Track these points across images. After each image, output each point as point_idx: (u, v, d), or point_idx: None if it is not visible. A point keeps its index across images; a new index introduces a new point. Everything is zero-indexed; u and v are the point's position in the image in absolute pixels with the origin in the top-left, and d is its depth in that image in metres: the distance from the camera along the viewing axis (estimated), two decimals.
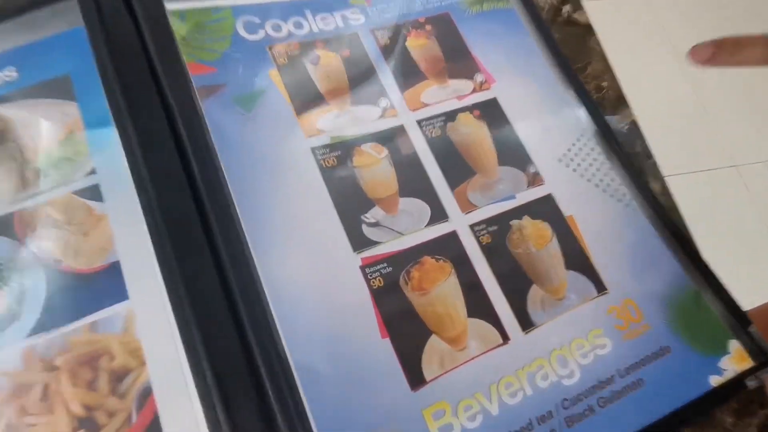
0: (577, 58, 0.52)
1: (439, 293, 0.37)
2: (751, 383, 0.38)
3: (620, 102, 0.50)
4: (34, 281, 0.33)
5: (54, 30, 0.40)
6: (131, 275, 0.34)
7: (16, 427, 0.31)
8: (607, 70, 0.52)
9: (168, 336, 0.33)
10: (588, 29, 0.54)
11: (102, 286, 0.33)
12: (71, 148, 0.37)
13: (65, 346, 0.32)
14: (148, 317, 0.33)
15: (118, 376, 0.32)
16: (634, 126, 0.49)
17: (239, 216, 0.36)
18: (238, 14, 0.43)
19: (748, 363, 0.39)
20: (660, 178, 0.49)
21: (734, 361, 0.39)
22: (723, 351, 0.39)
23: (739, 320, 0.40)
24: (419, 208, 0.40)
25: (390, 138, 0.42)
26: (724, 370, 0.39)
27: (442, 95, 0.45)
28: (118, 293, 0.33)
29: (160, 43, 0.40)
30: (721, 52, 0.33)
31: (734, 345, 0.40)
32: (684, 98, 1.70)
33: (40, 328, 0.32)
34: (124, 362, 0.32)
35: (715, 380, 0.38)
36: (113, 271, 0.34)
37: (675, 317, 0.40)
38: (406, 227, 0.39)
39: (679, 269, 0.42)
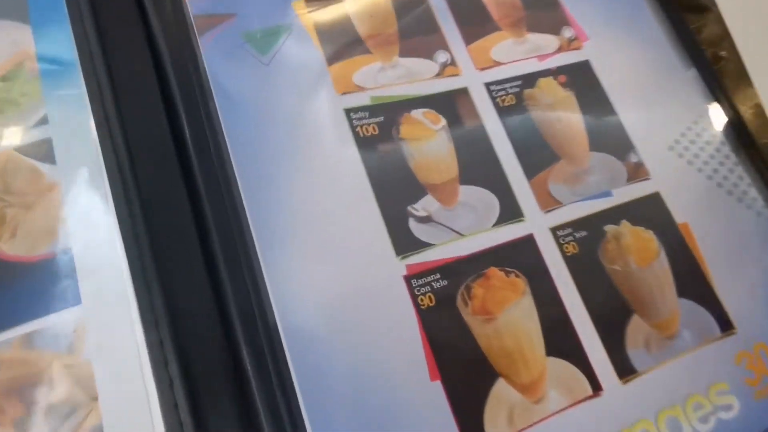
0: (686, 20, 0.40)
1: (508, 320, 0.27)
2: None
3: (741, 79, 0.39)
4: None
5: None
6: (86, 271, 0.24)
7: None
8: (726, 35, 0.40)
9: (132, 362, 0.23)
10: None
11: (44, 283, 0.24)
12: (17, 87, 0.26)
13: None
14: (106, 333, 0.23)
15: (58, 414, 0.23)
16: (758, 110, 0.38)
17: (243, 200, 0.26)
18: None
19: None
20: None
21: None
22: None
23: None
24: (485, 200, 0.30)
25: (449, 104, 0.31)
26: None
27: (519, 52, 0.34)
28: (67, 295, 0.24)
29: None
30: None
31: None
32: None
33: None
34: (68, 394, 0.23)
35: None
36: (62, 262, 0.24)
37: None
38: (467, 226, 0.29)
39: None
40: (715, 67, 0.39)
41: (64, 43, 0.27)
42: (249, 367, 0.24)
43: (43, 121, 0.26)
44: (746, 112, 0.38)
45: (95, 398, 0.23)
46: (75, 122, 0.26)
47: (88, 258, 0.24)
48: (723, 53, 0.40)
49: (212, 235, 0.25)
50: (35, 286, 0.24)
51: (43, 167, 0.25)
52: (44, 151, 0.26)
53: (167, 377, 0.23)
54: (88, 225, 0.25)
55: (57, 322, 0.23)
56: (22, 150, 0.26)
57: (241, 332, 0.24)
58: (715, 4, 0.42)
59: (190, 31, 0.28)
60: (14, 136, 0.26)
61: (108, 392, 0.23)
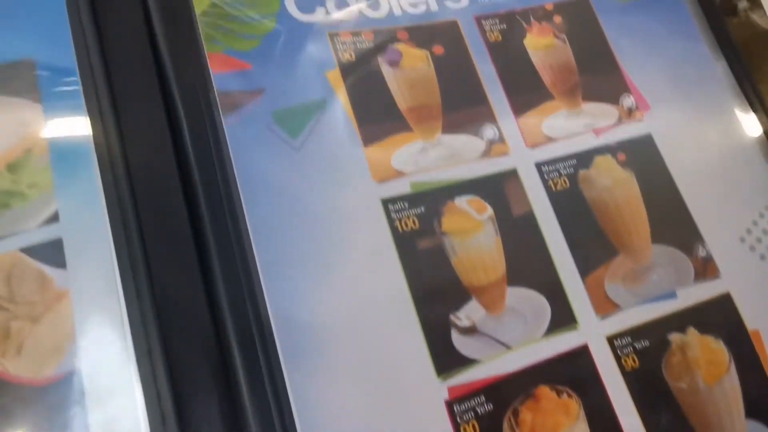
0: (756, 77, 0.36)
1: None
2: None
3: None
4: None
5: None
6: (97, 399, 0.22)
7: None
8: None
9: None
10: None
11: (50, 410, 0.21)
12: (25, 177, 0.24)
13: None
14: None
15: None
16: None
17: (268, 311, 0.23)
18: None
19: None
20: None
21: None
22: None
23: None
24: (535, 305, 0.27)
25: (496, 188, 0.28)
26: None
27: (574, 126, 0.31)
28: (73, 426, 0.21)
29: (171, 20, 0.26)
30: None
31: None
32: None
33: None
34: None
35: None
36: (69, 387, 0.22)
37: None
38: (514, 337, 0.26)
39: None
40: None
41: (78, 126, 0.25)
42: None
43: (54, 218, 0.24)
44: None
45: None
46: (88, 220, 0.24)
47: (99, 382, 0.22)
48: None
49: (233, 352, 0.23)
50: (40, 413, 0.21)
51: (53, 272, 0.23)
52: (54, 254, 0.23)
53: None
54: (99, 343, 0.22)
55: None
56: (30, 251, 0.23)
57: None
58: None
59: (213, 111, 0.25)
60: (22, 235, 0.23)
61: None
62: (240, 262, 0.24)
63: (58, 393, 0.22)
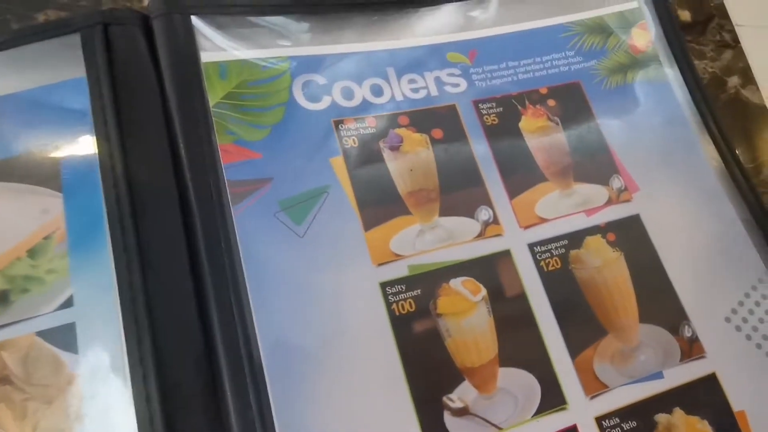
0: (746, 155, 0.38)
1: None
2: None
3: None
4: None
5: (42, 79, 0.29)
6: None
7: None
8: None
9: None
10: (763, 112, 0.40)
11: None
12: (44, 264, 0.26)
13: None
14: None
15: None
16: None
17: (269, 394, 0.24)
18: (299, 71, 0.31)
19: None
20: None
21: None
22: None
23: None
24: (526, 386, 0.28)
25: (490, 269, 0.30)
26: None
27: (566, 206, 0.32)
28: None
29: (188, 114, 0.28)
30: None
31: None
32: None
33: None
34: None
35: None
36: None
37: None
38: (505, 417, 0.27)
39: None
40: None
41: (95, 213, 0.26)
42: None
43: (68, 303, 0.25)
44: None
45: None
46: (100, 305, 0.25)
47: None
48: None
49: None
50: None
51: (65, 356, 0.24)
52: (67, 338, 0.24)
53: None
54: (107, 426, 0.23)
55: None
56: (46, 336, 0.24)
57: None
58: None
59: (224, 201, 0.27)
60: (39, 318, 0.25)
61: None
62: (245, 352, 0.25)
63: None
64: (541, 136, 0.34)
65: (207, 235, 0.26)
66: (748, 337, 0.31)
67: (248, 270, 0.26)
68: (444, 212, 0.31)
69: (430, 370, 0.27)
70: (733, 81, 0.40)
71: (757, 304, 0.32)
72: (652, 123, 0.35)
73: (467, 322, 0.28)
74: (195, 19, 0.30)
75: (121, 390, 0.24)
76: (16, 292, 0.25)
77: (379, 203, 0.30)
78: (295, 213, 0.28)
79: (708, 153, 0.35)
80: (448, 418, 0.26)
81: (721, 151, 0.35)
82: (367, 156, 0.31)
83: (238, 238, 0.27)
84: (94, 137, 0.27)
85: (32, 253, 0.26)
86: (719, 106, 0.39)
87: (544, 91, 0.35)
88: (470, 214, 0.31)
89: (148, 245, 0.26)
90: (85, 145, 0.27)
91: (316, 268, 0.27)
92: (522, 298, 0.30)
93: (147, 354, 0.24)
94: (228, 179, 0.28)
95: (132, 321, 0.25)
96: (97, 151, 0.27)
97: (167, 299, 0.25)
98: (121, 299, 0.25)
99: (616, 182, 0.34)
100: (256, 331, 0.25)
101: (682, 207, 0.34)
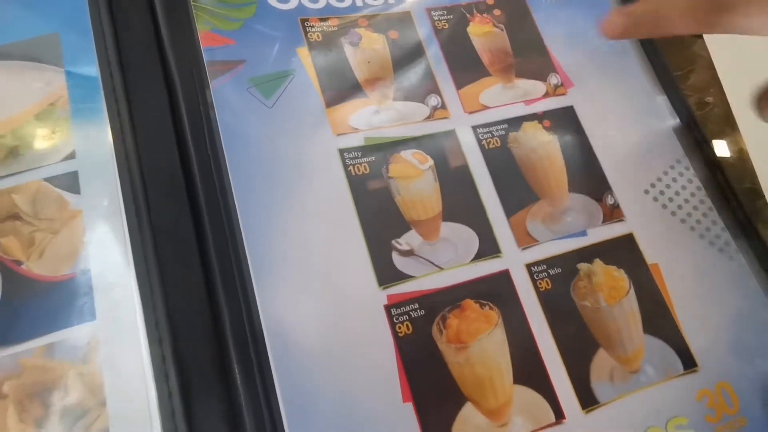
0: (676, 64, 0.42)
1: (480, 349, 0.29)
2: None
3: (728, 123, 0.41)
4: None
5: None
6: (102, 291, 0.27)
7: None
8: (714, 82, 0.42)
9: (137, 374, 0.26)
10: None
11: (65, 299, 0.27)
12: (50, 125, 0.30)
13: (16, 369, 0.26)
14: (116, 347, 0.27)
15: (71, 416, 0.26)
16: (742, 155, 0.40)
17: (242, 230, 0.29)
18: None
19: None
20: None
21: None
22: None
23: None
24: (465, 236, 0.32)
25: (437, 145, 0.34)
26: None
27: (507, 97, 0.37)
28: (84, 311, 0.27)
29: (170, 4, 0.33)
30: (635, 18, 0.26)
31: None
32: None
33: None
34: (81, 399, 0.26)
35: None
36: (81, 282, 0.27)
37: None
38: (446, 260, 0.31)
39: None
40: (700, 112, 0.41)
41: (92, 84, 0.31)
42: (238, 379, 0.26)
43: (71, 156, 0.29)
44: (728, 157, 0.40)
45: (104, 404, 0.26)
46: (98, 157, 0.29)
47: (104, 278, 0.27)
48: (709, 99, 0.42)
49: (213, 261, 0.28)
50: (57, 302, 0.27)
51: (69, 197, 0.29)
52: (71, 183, 0.29)
53: (167, 389, 0.26)
54: (105, 249, 0.28)
55: (74, 335, 0.27)
56: (52, 181, 0.29)
57: (233, 350, 0.27)
58: (706, 50, 0.44)
59: (203, 75, 0.31)
60: (46, 168, 0.29)
61: (115, 399, 0.26)
62: (221, 196, 0.30)
63: (71, 287, 0.27)
64: (487, 39, 0.38)
65: (188, 103, 0.31)
66: (664, 206, 0.35)
67: (224, 135, 0.31)
68: (397, 98, 0.35)
69: (380, 219, 0.31)
70: None
71: (674, 180, 0.36)
72: (587, 28, 0.40)
73: (415, 185, 0.33)
74: None
75: (118, 223, 0.28)
76: (24, 147, 0.30)
77: (339, 86, 0.34)
78: (264, 89, 0.32)
79: (639, 58, 0.40)
80: (395, 257, 0.31)
81: (650, 53, 0.39)
82: (330, 49, 0.35)
83: (215, 109, 0.31)
84: (90, 21, 0.32)
85: (39, 116, 0.30)
86: None
87: (490, 2, 0.40)
88: (421, 100, 0.35)
89: (138, 110, 0.30)
90: (82, 27, 0.32)
91: (283, 135, 0.32)
92: (464, 168, 0.34)
93: (138, 193, 0.28)
94: (207, 60, 0.32)
95: (125, 169, 0.29)
96: (92, 30, 0.31)
97: (154, 151, 0.30)
98: (116, 153, 0.29)
99: (553, 79, 0.38)
100: (232, 187, 0.30)
101: (611, 101, 0.38)
